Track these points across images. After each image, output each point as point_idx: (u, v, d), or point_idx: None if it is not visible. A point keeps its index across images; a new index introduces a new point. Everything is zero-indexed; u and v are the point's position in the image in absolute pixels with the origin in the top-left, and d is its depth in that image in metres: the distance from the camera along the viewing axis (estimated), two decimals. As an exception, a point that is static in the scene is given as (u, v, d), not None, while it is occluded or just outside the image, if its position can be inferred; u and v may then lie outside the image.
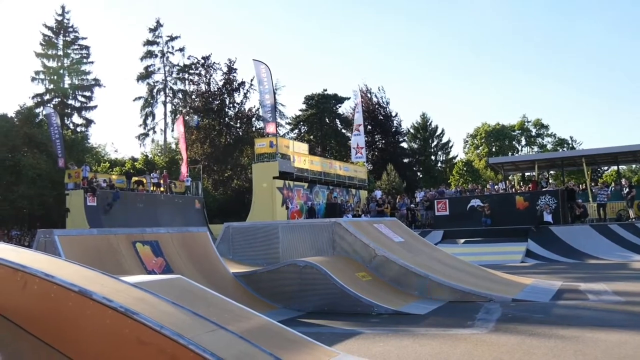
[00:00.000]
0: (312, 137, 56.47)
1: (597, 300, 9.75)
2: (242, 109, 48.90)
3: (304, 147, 34.63)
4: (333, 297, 9.20)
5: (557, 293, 10.62)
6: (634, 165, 52.41)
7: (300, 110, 59.66)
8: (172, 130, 54.19)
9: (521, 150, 66.79)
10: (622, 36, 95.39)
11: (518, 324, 7.59)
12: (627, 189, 24.45)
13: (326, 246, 11.31)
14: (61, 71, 54.13)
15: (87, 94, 55.32)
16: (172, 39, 57.52)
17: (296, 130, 59.35)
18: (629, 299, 9.74)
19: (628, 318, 7.89)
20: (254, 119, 48.66)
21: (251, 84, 47.27)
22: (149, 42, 57.63)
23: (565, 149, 62.26)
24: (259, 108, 44.05)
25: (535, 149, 66.16)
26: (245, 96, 49.03)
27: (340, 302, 9.11)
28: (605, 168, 51.04)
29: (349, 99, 55.97)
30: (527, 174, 36.99)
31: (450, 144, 60.95)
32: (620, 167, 39.82)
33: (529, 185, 29.68)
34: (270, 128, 31.59)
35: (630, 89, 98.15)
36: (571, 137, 66.32)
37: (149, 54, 57.69)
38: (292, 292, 9.59)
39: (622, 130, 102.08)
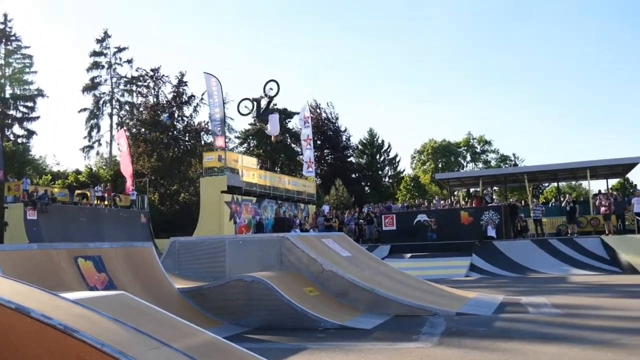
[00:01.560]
0: (261, 151, 56.30)
1: (537, 313, 10.03)
2: (192, 122, 48.45)
3: (252, 161, 34.56)
4: (280, 313, 9.16)
5: (499, 306, 10.87)
6: (572, 182, 54.25)
7: (250, 124, 59.39)
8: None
9: (466, 166, 68.37)
10: (565, 55, 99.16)
11: (461, 338, 7.74)
12: (571, 204, 25.27)
13: (274, 261, 11.28)
14: (2, 80, 52.48)
15: (29, 104, 53.61)
16: (120, 50, 56.59)
17: (245, 145, 59.08)
18: (567, 311, 10.06)
19: (566, 331, 8.14)
20: (202, 132, 48.24)
21: (202, 98, 46.91)
22: (95, 53, 56.50)
23: (508, 165, 64.03)
24: (208, 122, 43.74)
25: (480, 165, 67.81)
26: (194, 109, 48.64)
27: (287, 318, 9.08)
28: (546, 184, 52.72)
29: (298, 113, 56.14)
30: (472, 189, 37.82)
31: (397, 160, 61.86)
32: (560, 183, 41.23)
33: (474, 201, 30.36)
34: (219, 142, 31.40)
35: (571, 107, 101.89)
36: (514, 154, 68.38)
37: (96, 65, 56.55)
38: (238, 308, 9.50)
39: (562, 148, 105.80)
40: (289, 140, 59.19)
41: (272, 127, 13.73)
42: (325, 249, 12.14)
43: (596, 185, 61.28)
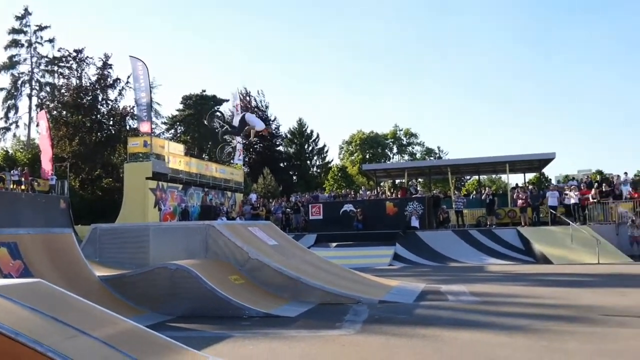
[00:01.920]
0: (188, 138, 55.27)
1: (456, 300, 10.41)
2: (116, 106, 46.94)
3: (179, 148, 33.85)
4: (204, 301, 9.10)
5: (420, 294, 11.21)
6: (493, 175, 56.24)
7: (177, 110, 58.29)
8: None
9: (392, 158, 69.56)
10: (492, 53, 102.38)
11: (383, 325, 7.93)
12: (491, 197, 26.22)
13: (199, 249, 11.17)
14: None
15: (-58, 82, 50.44)
16: (41, 28, 53.82)
17: (172, 131, 57.87)
18: (484, 299, 10.49)
19: (482, 317, 8.49)
20: (128, 117, 46.83)
21: (127, 82, 45.51)
22: (14, 31, 53.53)
23: (432, 158, 65.64)
24: (133, 106, 42.53)
25: (406, 157, 69.18)
26: (120, 93, 47.11)
27: (211, 306, 9.03)
28: (468, 177, 54.44)
29: (228, 101, 55.57)
30: (397, 180, 38.53)
31: (325, 150, 62.19)
32: (481, 176, 42.63)
33: (399, 192, 30.97)
34: (145, 127, 30.64)
35: (495, 104, 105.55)
36: (438, 147, 70.08)
37: (15, 43, 53.60)
38: (162, 296, 9.35)
39: (485, 143, 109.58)
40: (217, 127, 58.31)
41: (258, 125, 13.35)
42: (252, 237, 12.12)
43: (514, 179, 63.90)
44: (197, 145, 54.55)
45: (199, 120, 56.86)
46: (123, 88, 46.86)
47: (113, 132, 45.69)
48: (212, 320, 8.55)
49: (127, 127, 46.30)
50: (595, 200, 23.95)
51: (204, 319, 8.67)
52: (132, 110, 44.49)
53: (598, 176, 41.69)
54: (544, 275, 15.51)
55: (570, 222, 22.13)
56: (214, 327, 8.01)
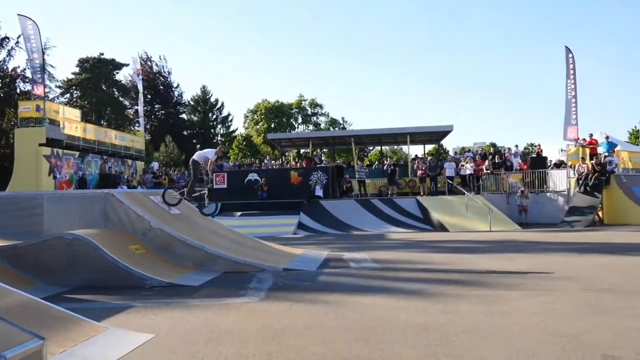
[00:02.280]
0: (85, 103, 52.74)
1: (358, 267, 10.71)
2: (5, 67, 43.86)
3: (75, 113, 32.18)
4: (104, 271, 8.84)
5: (323, 262, 11.43)
6: (395, 146, 57.69)
7: (73, 73, 55.30)
8: None
9: (297, 128, 69.74)
10: (401, 27, 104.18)
11: (287, 292, 8.04)
12: (392, 167, 26.93)
13: (98, 218, 10.79)
14: None
15: None
16: None
17: (68, 95, 54.94)
18: (385, 265, 10.86)
19: (383, 283, 8.79)
20: (18, 79, 43.91)
21: (17, 42, 42.54)
22: None
23: (337, 128, 66.40)
24: (25, 68, 39.93)
25: (311, 127, 69.56)
26: (9, 54, 43.97)
27: (111, 276, 8.79)
28: (371, 148, 55.61)
29: (127, 65, 53.42)
30: (302, 150, 38.75)
31: (230, 118, 61.41)
32: (383, 147, 43.62)
33: (304, 162, 31.16)
34: (38, 90, 28.86)
35: (397, 77, 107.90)
36: (343, 118, 70.95)
37: None
38: (58, 267, 8.99)
39: (386, 115, 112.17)
40: (116, 93, 56.11)
41: (210, 155, 12.44)
42: (154, 206, 11.85)
43: (415, 150, 66.00)
44: (94, 111, 52.24)
45: (96, 84, 54.40)
46: (12, 48, 43.78)
47: (2, 95, 42.75)
48: (112, 291, 8.32)
49: (18, 90, 43.43)
50: (488, 172, 25.21)
51: (104, 290, 8.43)
52: (23, 73, 41.82)
53: (491, 148, 43.74)
54: (440, 242, 16.23)
55: (466, 192, 23.18)
56: (114, 298, 7.81)
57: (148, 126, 49.90)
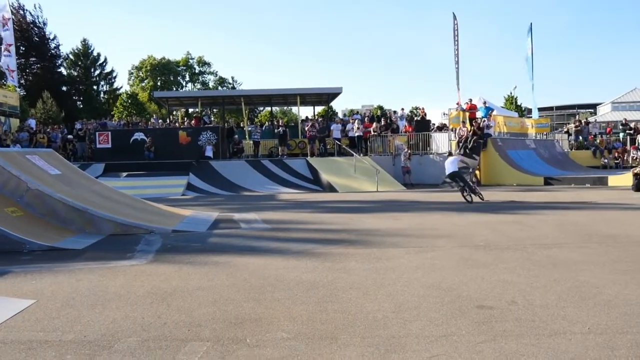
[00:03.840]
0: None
1: (249, 228, 10.73)
2: None
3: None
4: (-24, 236, 8.27)
5: (213, 223, 11.35)
6: (285, 107, 57.75)
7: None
8: None
9: (185, 86, 67.96)
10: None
11: (176, 254, 7.92)
12: (283, 128, 26.98)
13: (-33, 179, 10.01)
14: None
15: None
16: None
17: None
18: (275, 226, 10.96)
19: (273, 243, 8.88)
20: None
21: None
22: None
23: (226, 88, 65.34)
24: None
25: (199, 85, 67.98)
26: None
27: (-16, 241, 8.24)
28: (261, 108, 55.31)
29: (-4, 13, 49.20)
30: (190, 110, 37.85)
31: (114, 75, 58.53)
32: (273, 108, 43.56)
33: (192, 121, 30.52)
34: None
35: (287, 37, 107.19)
36: (232, 77, 69.97)
37: None
38: None
39: (277, 78, 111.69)
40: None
41: None
42: (31, 166, 11.16)
43: (305, 112, 66.36)
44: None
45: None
46: None
47: None
48: (-15, 256, 7.81)
49: None
50: (376, 133, 25.92)
51: (-24, 255, 7.90)
52: None
53: (379, 111, 44.92)
54: (329, 202, 16.57)
55: (354, 153, 23.74)
56: (-11, 264, 7.34)
57: (22, 81, 46.50)
